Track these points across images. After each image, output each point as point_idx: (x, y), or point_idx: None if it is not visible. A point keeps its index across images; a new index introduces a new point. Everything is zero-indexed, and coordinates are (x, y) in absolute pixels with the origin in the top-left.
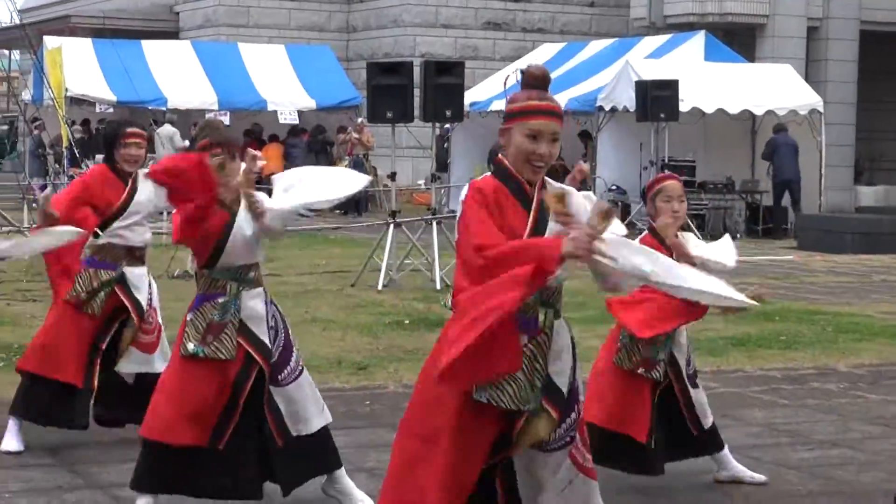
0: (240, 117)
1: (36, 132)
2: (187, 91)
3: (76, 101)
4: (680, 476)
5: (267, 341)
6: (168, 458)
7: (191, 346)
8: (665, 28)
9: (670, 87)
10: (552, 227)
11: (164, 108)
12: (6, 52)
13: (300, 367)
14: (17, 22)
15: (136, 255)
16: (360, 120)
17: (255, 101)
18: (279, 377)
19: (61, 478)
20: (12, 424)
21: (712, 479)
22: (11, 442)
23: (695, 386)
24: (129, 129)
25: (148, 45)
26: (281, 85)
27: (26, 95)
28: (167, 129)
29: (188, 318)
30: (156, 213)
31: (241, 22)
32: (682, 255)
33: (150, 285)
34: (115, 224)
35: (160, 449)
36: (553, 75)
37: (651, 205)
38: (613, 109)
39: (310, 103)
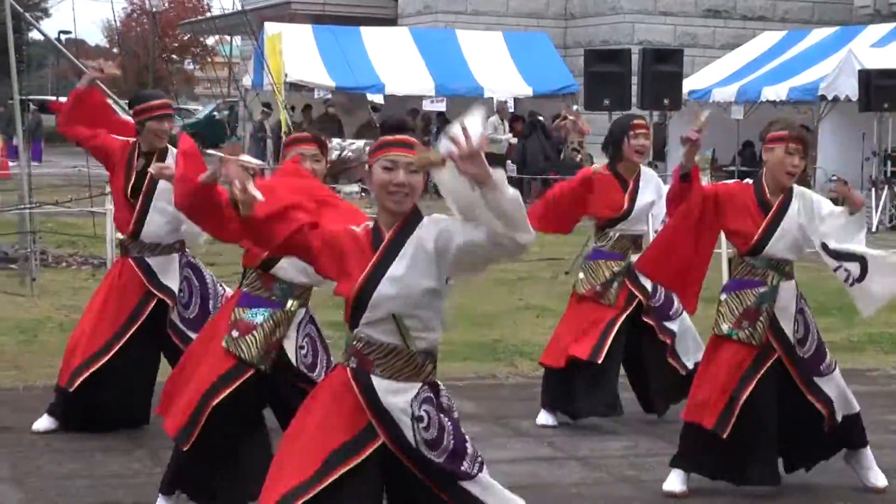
0: (456, 104)
1: (259, 117)
2: (405, 77)
3: (295, 87)
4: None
5: (789, 334)
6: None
7: (725, 327)
8: (890, 16)
9: (895, 76)
10: None
11: (381, 94)
12: (228, 37)
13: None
14: (240, 8)
15: (638, 244)
16: (574, 108)
17: (471, 88)
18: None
19: None
20: None
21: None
22: None
23: None
24: (636, 121)
25: (366, 32)
26: (498, 72)
27: (247, 81)
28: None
29: (722, 299)
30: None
31: (459, 9)
32: None
33: None
34: (620, 225)
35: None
36: (773, 64)
37: None
38: (835, 99)
39: (526, 90)
